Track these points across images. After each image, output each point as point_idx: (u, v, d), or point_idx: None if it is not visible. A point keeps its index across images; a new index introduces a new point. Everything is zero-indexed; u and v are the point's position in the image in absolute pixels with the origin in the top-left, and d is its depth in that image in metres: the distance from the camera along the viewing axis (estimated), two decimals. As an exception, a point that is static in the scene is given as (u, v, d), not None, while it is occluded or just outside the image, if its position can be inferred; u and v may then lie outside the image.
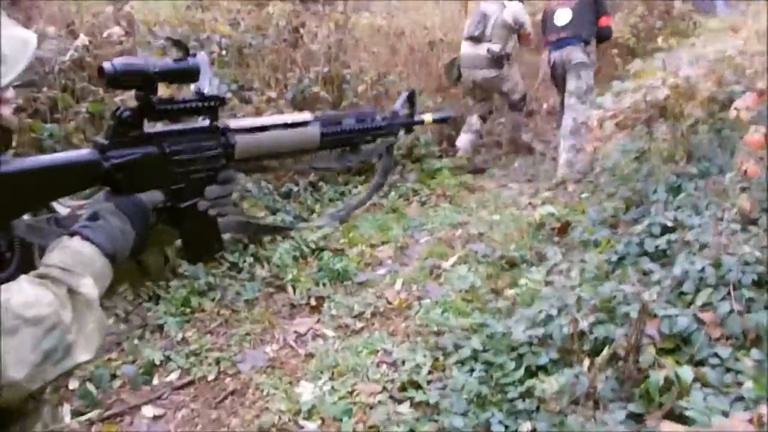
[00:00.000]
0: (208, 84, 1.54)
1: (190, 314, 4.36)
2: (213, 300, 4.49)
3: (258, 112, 5.92)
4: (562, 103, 7.25)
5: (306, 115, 1.80)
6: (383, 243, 5.51)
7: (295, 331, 4.30)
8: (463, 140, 7.58)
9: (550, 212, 5.82)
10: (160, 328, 4.27)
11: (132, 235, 1.42)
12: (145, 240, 1.47)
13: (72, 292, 1.24)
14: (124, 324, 4.29)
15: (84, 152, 1.44)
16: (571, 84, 6.94)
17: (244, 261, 4.91)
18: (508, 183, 7.16)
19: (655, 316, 3.20)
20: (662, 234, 4.09)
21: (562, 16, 6.99)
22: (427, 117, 2.20)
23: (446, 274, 4.89)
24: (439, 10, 9.70)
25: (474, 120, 7.61)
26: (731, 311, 3.08)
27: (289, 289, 4.74)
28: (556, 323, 3.42)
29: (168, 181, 1.52)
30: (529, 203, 6.41)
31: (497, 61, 7.22)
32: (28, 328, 1.15)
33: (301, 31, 6.99)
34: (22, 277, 1.23)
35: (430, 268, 4.99)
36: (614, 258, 4.19)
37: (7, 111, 1.34)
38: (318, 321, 4.41)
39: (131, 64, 1.42)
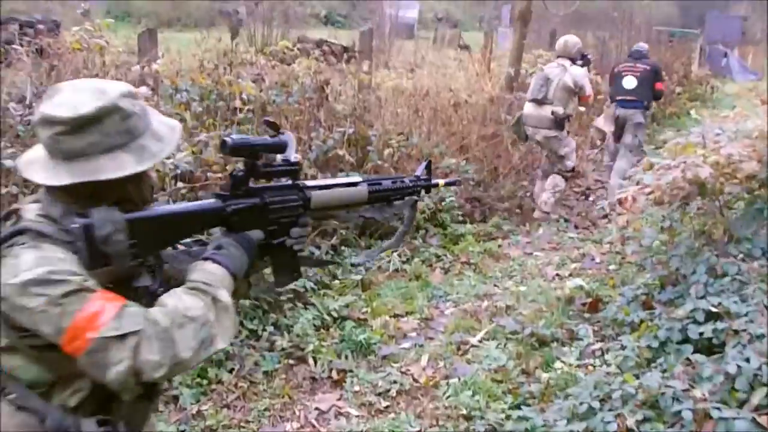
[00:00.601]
0: (293, 154, 2.06)
1: (206, 386, 4.14)
2: (231, 371, 4.27)
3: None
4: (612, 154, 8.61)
5: (357, 178, 2.31)
6: (407, 313, 5.31)
7: (317, 408, 4.08)
8: (548, 199, 7.87)
9: (579, 286, 5.63)
10: (175, 399, 4.05)
11: (246, 261, 1.91)
12: (252, 266, 1.96)
13: (214, 299, 1.74)
14: (137, 394, 4.08)
15: (211, 201, 1.95)
16: (627, 138, 8.29)
17: (264, 329, 4.71)
18: (533, 251, 6.96)
19: (710, 417, 2.99)
20: (706, 321, 3.89)
21: (629, 82, 8.37)
22: (441, 182, 2.66)
23: (474, 351, 4.69)
24: (464, 71, 9.64)
25: (558, 180, 7.89)
26: (794, 416, 2.86)
27: (310, 360, 4.52)
28: (598, 418, 3.21)
29: (265, 224, 2.01)
30: (557, 274, 6.22)
31: (559, 122, 7.60)
32: (191, 324, 1.67)
33: (326, 90, 6.86)
34: (178, 289, 1.75)
35: (457, 343, 4.78)
36: (655, 344, 3.98)
37: (153, 174, 1.94)
38: (340, 398, 4.19)
39: (243, 139, 1.93)
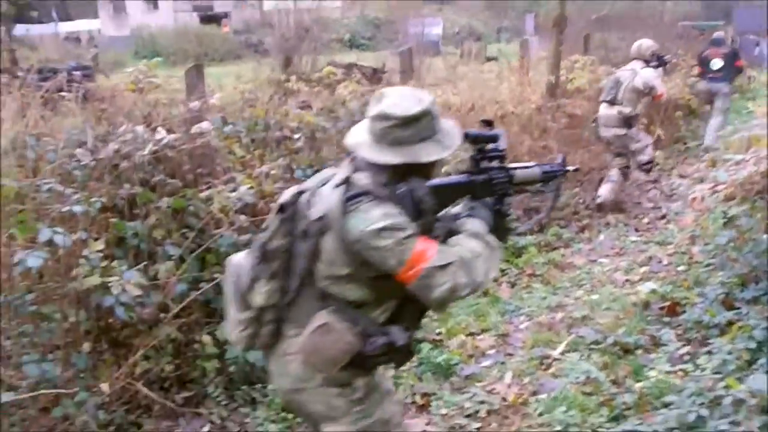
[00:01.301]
0: (503, 143, 2.61)
1: (292, 419, 4.07)
2: (312, 403, 4.20)
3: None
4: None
5: (532, 163, 2.84)
6: (483, 331, 5.21)
7: (407, 435, 3.99)
8: (604, 189, 8.24)
9: (653, 290, 5.50)
10: (261, 436, 4.00)
11: (491, 219, 2.51)
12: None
13: (487, 242, 2.41)
14: (221, 432, 4.04)
15: (463, 177, 2.58)
16: (719, 104, 11.39)
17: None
18: (597, 258, 6.83)
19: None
20: (805, 316, 3.76)
21: (717, 63, 11.43)
22: (571, 168, 3.03)
23: (557, 364, 4.58)
24: (507, 84, 9.57)
25: (613, 172, 8.30)
26: None
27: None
28: (710, 426, 3.08)
29: (491, 194, 2.58)
30: (627, 280, 6.09)
31: (626, 121, 7.98)
32: (478, 258, 2.33)
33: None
34: (461, 236, 2.41)
35: (539, 357, 4.68)
36: (752, 345, 3.85)
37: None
38: (429, 422, 4.10)
39: (479, 132, 2.58)
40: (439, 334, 5.12)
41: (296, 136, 6.56)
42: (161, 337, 3.98)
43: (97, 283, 3.68)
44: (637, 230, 7.76)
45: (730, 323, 4.43)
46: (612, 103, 8.03)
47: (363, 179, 2.33)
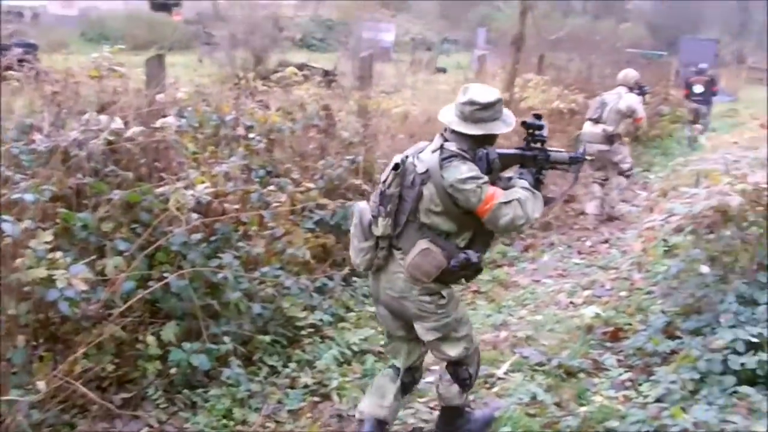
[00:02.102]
0: (545, 132, 3.67)
1: (232, 427, 4.01)
2: (256, 410, 4.14)
3: (293, 202, 5.67)
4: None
5: (563, 150, 3.90)
6: (428, 346, 5.20)
7: (348, 449, 3.97)
8: (591, 206, 9.27)
9: (597, 314, 5.57)
10: (201, 442, 3.92)
11: (533, 183, 3.55)
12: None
13: (533, 192, 3.46)
14: (160, 436, 3.95)
15: (519, 150, 3.65)
16: (702, 121, 15.64)
17: (284, 365, 4.60)
18: (541, 278, 6.90)
19: (775, 453, 2.93)
20: (747, 351, 3.84)
21: (698, 88, 15.81)
22: (589, 157, 4.02)
23: (501, 384, 4.60)
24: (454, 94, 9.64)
25: (595, 188, 9.32)
26: None
27: (335, 397, 4.41)
28: (657, 456, 3.13)
29: (534, 166, 3.62)
30: (570, 302, 6.16)
31: (609, 138, 8.92)
32: (529, 200, 3.39)
33: (336, 117, 6.78)
34: (515, 189, 3.42)
35: (483, 376, 4.67)
36: (695, 375, 3.92)
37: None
38: (372, 438, 4.06)
39: (531, 121, 3.65)
40: (383, 346, 5.09)
41: (252, 135, 6.47)
42: (105, 336, 3.87)
43: (43, 275, 3.57)
44: (579, 253, 7.87)
45: (672, 352, 4.52)
46: (597, 121, 8.98)
47: (452, 146, 3.41)
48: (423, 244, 3.41)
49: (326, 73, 23.94)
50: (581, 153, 3.77)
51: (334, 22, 41.17)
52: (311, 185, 5.83)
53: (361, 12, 33.82)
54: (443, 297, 3.52)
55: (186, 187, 4.54)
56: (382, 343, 5.10)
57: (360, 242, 3.60)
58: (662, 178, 11.65)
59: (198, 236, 4.53)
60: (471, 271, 3.51)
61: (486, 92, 3.43)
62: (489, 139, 3.46)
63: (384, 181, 3.49)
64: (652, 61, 23.73)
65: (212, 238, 4.71)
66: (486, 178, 3.33)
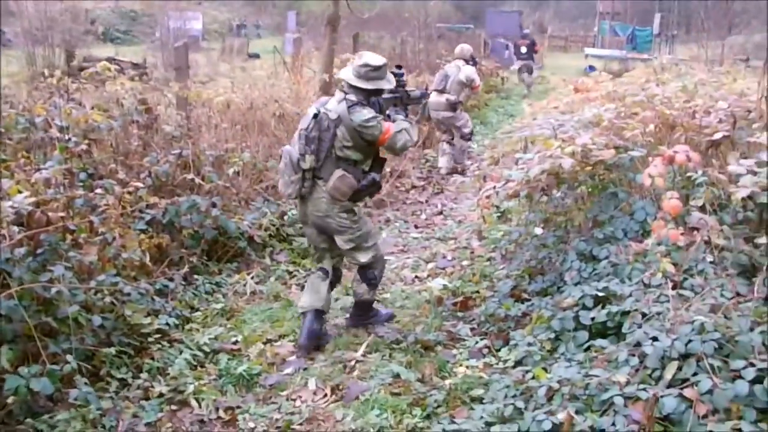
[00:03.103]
0: (404, 77, 5.02)
1: (83, 451, 3.72)
2: (111, 429, 3.85)
3: (121, 203, 5.36)
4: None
5: (417, 88, 5.40)
6: (280, 337, 5.05)
7: (215, 454, 3.78)
8: (443, 161, 10.58)
9: (444, 285, 5.63)
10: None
11: (404, 116, 4.84)
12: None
13: (410, 122, 4.77)
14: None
15: (390, 95, 4.84)
16: (528, 77, 21.11)
17: (134, 376, 4.33)
18: (383, 256, 6.90)
19: (638, 399, 3.02)
20: (595, 306, 3.96)
21: (523, 48, 21.82)
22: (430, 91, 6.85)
23: (361, 366, 4.53)
24: (284, 83, 9.47)
25: (445, 146, 10.56)
26: (714, 386, 2.93)
27: (193, 402, 4.18)
28: (528, 417, 3.15)
29: (402, 104, 4.90)
30: (416, 277, 6.21)
31: (452, 106, 10.29)
32: (411, 128, 4.75)
33: (156, 111, 6.46)
34: (399, 121, 4.72)
35: (341, 361, 4.60)
36: (551, 335, 4.01)
37: None
38: (238, 438, 3.90)
39: (396, 72, 4.95)
40: (236, 343, 4.93)
41: (69, 137, 6.05)
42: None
43: None
44: (417, 227, 7.96)
45: (524, 315, 4.62)
46: (441, 92, 10.26)
47: (353, 97, 4.56)
48: (339, 172, 4.56)
49: (136, 66, 23.09)
50: (426, 90, 5.49)
51: (138, 13, 39.60)
52: (139, 184, 5.51)
53: (165, 1, 32.60)
54: (355, 214, 4.77)
55: (1, 199, 4.16)
56: (234, 340, 4.95)
57: (290, 176, 4.65)
58: (487, 146, 12.05)
59: (22, 250, 4.17)
60: (375, 189, 4.82)
61: (376, 58, 4.63)
62: (377, 92, 4.67)
63: (306, 128, 4.61)
64: (461, 35, 24.47)
65: (39, 251, 4.33)
66: (381, 117, 4.58)
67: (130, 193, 5.44)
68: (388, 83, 4.70)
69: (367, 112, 4.52)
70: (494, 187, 4.65)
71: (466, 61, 10.58)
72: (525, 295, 4.95)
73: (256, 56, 27.76)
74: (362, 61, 4.57)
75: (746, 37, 23.14)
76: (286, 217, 7.03)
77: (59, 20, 25.34)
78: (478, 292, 5.48)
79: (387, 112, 4.77)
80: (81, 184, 5.70)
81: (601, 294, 3.98)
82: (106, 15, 40.21)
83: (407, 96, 4.94)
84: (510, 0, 49.19)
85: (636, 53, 28.19)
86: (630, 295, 3.89)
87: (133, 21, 39.67)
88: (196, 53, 27.41)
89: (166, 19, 29.47)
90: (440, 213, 8.50)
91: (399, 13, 21.69)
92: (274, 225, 6.80)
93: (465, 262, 6.40)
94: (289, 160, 4.65)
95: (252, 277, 6.05)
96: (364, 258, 4.87)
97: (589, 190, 4.96)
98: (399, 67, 5.03)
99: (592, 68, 25.93)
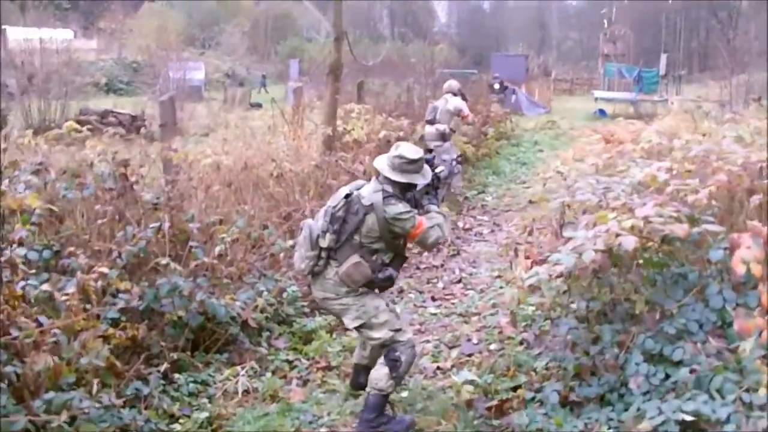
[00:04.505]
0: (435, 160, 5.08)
1: None
2: None
3: (85, 292, 4.48)
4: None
5: (442, 167, 4.98)
6: (277, 458, 4.14)
7: None
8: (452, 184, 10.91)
9: (471, 381, 4.71)
10: None
11: (438, 202, 4.87)
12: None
13: (443, 215, 4.70)
14: None
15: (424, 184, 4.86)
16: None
17: None
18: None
19: None
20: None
21: (496, 87, 24.80)
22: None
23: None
24: (282, 138, 8.65)
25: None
26: None
27: None
28: None
29: (434, 189, 4.79)
30: (438, 368, 5.28)
31: (442, 135, 10.84)
32: (445, 223, 4.64)
33: (137, 175, 5.61)
34: (432, 214, 4.58)
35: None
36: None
37: None
38: None
39: (428, 158, 4.75)
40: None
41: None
42: None
43: None
44: (434, 299, 7.04)
45: (581, 433, 3.70)
46: (431, 122, 10.97)
47: (389, 189, 4.38)
48: (355, 258, 4.34)
49: (134, 118, 22.44)
50: (449, 164, 5.85)
51: (140, 64, 39.18)
52: (104, 270, 4.61)
53: (167, 52, 32.15)
54: (357, 291, 4.42)
55: None
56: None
57: (306, 251, 4.45)
58: (500, 197, 11.29)
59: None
60: (389, 284, 4.54)
61: (412, 150, 4.43)
62: (412, 186, 4.47)
63: (334, 206, 4.44)
64: (466, 80, 23.78)
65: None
66: (415, 211, 4.42)
67: (95, 280, 4.54)
68: (423, 178, 4.49)
69: (402, 207, 4.35)
70: (539, 274, 3.75)
71: (454, 94, 11.34)
72: (574, 397, 4.04)
73: (258, 106, 27.18)
74: (397, 153, 4.41)
75: (748, 75, 22.41)
76: (285, 294, 6.12)
77: (61, 72, 24.78)
78: (515, 390, 4.55)
79: (421, 201, 4.61)
80: (43, 263, 4.87)
81: (689, 418, 3.07)
82: (109, 66, 39.97)
83: (437, 179, 4.74)
84: (513, 46, 48.96)
85: (643, 95, 27.43)
86: (728, 420, 2.98)
87: (135, 72, 39.28)
88: (197, 104, 26.97)
89: (167, 69, 28.91)
90: (459, 281, 7.59)
91: (404, 59, 21.04)
92: (271, 305, 5.88)
93: (494, 346, 5.50)
94: (308, 234, 4.46)
95: (246, 371, 5.14)
96: (378, 334, 4.43)
97: (656, 271, 4.06)
98: (429, 151, 5.26)
99: (602, 112, 25.28)
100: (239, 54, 47.60)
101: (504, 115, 20.24)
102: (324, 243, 4.38)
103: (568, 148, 11.27)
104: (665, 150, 5.88)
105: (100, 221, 5.32)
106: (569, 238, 3.90)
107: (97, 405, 3.91)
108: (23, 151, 6.50)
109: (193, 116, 22.93)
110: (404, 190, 4.44)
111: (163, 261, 4.97)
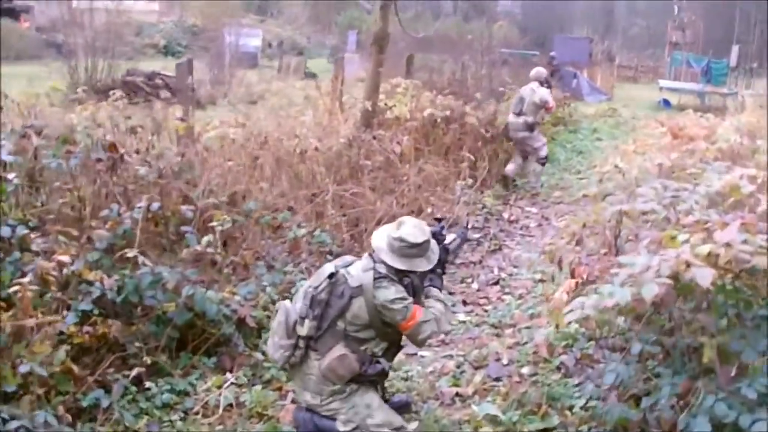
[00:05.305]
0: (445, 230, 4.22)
1: None
2: None
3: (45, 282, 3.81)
4: None
5: (453, 235, 4.26)
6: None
7: None
8: (510, 168, 10.69)
9: (492, 415, 3.95)
10: None
11: (441, 283, 4.15)
12: None
13: (444, 304, 3.95)
14: None
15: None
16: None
17: None
18: (416, 351, 5.19)
19: None
20: None
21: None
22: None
23: None
24: (312, 112, 7.90)
25: (518, 157, 10.78)
26: None
27: None
28: None
29: (441, 266, 4.06)
30: (457, 394, 4.50)
31: (529, 126, 10.51)
32: (443, 315, 3.86)
33: (119, 148, 4.91)
34: (431, 299, 3.90)
35: None
36: None
37: None
38: None
39: (434, 231, 4.03)
40: None
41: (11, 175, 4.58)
42: None
43: None
44: (465, 303, 6.26)
45: None
46: (519, 114, 10.52)
47: (382, 269, 3.70)
48: (339, 349, 3.64)
49: (180, 81, 21.92)
50: (463, 231, 4.42)
51: (199, 28, 38.81)
52: (64, 258, 3.92)
53: (227, 17, 31.75)
54: (345, 391, 3.70)
55: None
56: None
57: (281, 339, 3.74)
58: (552, 187, 10.52)
59: None
60: (381, 378, 3.85)
61: (416, 233, 3.72)
62: (410, 271, 3.76)
63: (316, 287, 3.72)
64: (527, 61, 22.74)
65: None
66: (411, 299, 3.69)
67: (55, 268, 3.86)
68: (427, 262, 3.78)
69: (394, 291, 3.64)
70: (582, 307, 2.95)
71: (541, 83, 10.77)
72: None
73: (313, 76, 26.51)
74: (398, 234, 3.69)
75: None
76: (293, 290, 5.40)
77: (115, 32, 24.42)
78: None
79: (422, 284, 3.91)
80: (18, 241, 4.24)
81: None
82: (169, 28, 39.79)
83: (446, 253, 4.05)
84: (577, 29, 47.53)
85: (711, 86, 26.03)
86: None
87: (194, 35, 38.96)
88: (251, 70, 26.44)
89: (222, 34, 28.46)
90: (496, 282, 6.78)
91: (461, 35, 20.08)
92: (275, 302, 5.16)
93: (526, 370, 4.70)
94: (284, 319, 3.74)
95: (234, 380, 4.45)
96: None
97: (736, 312, 3.22)
98: (438, 220, 4.36)
99: (667, 102, 23.95)
100: (300, 23, 47.02)
101: (563, 99, 19.25)
102: (302, 331, 3.67)
103: (629, 140, 10.48)
104: (746, 152, 5.01)
105: (77, 195, 4.62)
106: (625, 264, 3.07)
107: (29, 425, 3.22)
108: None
109: (243, 83, 22.31)
110: (402, 272, 3.71)
111: (131, 253, 4.24)
